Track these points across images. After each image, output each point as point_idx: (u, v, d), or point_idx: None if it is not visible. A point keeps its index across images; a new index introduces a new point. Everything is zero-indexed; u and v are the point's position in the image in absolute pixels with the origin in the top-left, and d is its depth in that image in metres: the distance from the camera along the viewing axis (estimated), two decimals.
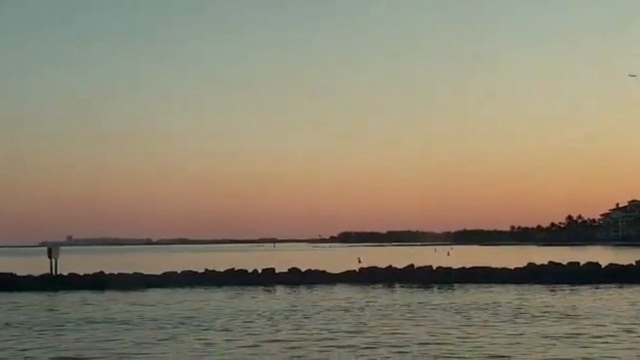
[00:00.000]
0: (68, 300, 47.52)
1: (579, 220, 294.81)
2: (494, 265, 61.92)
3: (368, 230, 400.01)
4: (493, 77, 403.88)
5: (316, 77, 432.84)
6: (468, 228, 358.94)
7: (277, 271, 59.44)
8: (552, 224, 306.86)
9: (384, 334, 29.14)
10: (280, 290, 52.32)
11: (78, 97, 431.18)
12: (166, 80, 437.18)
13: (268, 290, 52.21)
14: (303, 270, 59.71)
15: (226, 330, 31.24)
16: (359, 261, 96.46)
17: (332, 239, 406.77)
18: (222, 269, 60.24)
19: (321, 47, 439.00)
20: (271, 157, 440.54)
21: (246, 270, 59.58)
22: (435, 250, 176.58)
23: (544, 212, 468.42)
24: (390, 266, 60.38)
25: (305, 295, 47.97)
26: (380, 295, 47.31)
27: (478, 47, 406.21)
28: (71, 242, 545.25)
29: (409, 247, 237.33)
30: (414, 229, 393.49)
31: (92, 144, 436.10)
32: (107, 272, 60.46)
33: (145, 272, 59.86)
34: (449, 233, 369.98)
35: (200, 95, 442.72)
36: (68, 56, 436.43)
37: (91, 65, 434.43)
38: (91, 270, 62.42)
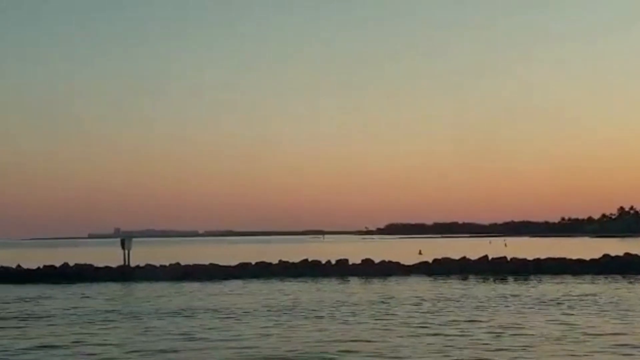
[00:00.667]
0: (157, 291, 47.87)
1: (631, 211, 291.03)
2: (568, 257, 61.59)
3: (414, 221, 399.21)
4: (542, 70, 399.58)
5: (357, 67, 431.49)
6: (516, 219, 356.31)
7: (350, 262, 59.59)
8: (603, 215, 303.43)
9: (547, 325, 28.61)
10: (355, 282, 52.49)
11: (125, 92, 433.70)
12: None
13: (343, 282, 52.48)
14: (376, 261, 59.82)
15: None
16: (420, 253, 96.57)
17: (379, 231, 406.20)
18: (296, 260, 60.58)
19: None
20: (314, 148, 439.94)
21: (320, 261, 59.83)
22: (490, 242, 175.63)
23: (595, 203, 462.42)
24: (464, 257, 60.40)
25: (393, 286, 47.87)
26: (473, 287, 47.03)
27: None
28: (119, 234, 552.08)
29: (460, 238, 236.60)
30: (460, 221, 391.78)
31: (138, 135, 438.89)
32: (182, 263, 61.41)
33: (221, 264, 60.41)
34: (496, 224, 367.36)
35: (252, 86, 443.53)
36: (119, 45, 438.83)
37: (146, 52, 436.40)
38: (164, 261, 63.50)
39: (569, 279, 52.03)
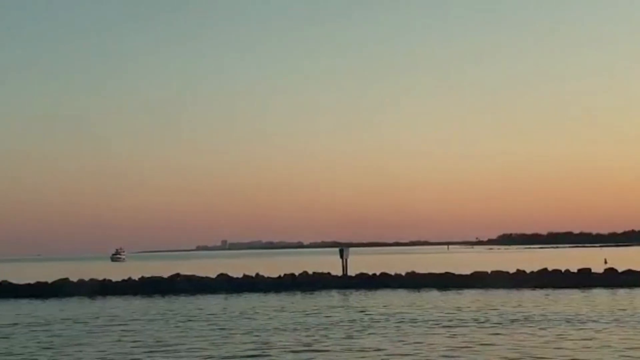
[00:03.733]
0: (421, 299, 46.73)
1: None
2: None
3: (528, 232, 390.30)
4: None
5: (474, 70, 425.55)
6: (636, 229, 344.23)
7: (593, 271, 56.62)
8: None
9: None
10: (599, 292, 49.41)
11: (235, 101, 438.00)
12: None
13: (585, 292, 49.39)
14: (620, 270, 56.62)
15: None
16: (605, 262, 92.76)
17: (490, 242, 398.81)
18: (534, 269, 57.94)
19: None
20: (421, 158, 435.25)
21: (560, 270, 56.95)
22: None
23: None
24: None
25: None
26: None
27: None
28: (226, 246, 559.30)
29: (591, 248, 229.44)
30: (575, 231, 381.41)
31: (244, 148, 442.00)
32: (391, 272, 59.80)
33: (456, 272, 58.61)
34: (615, 234, 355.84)
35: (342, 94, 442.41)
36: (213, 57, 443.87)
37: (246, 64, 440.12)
38: (370, 270, 61.78)
39: None
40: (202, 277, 59.84)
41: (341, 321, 34.69)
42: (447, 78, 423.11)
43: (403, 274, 58.66)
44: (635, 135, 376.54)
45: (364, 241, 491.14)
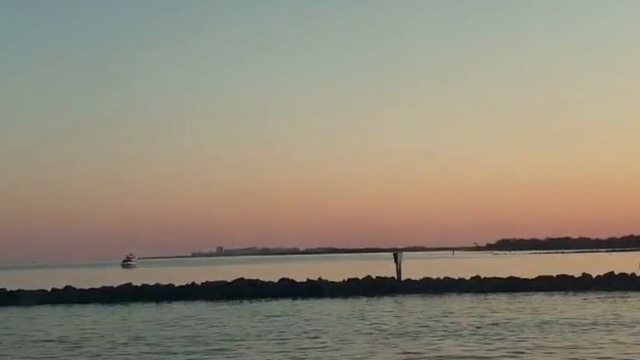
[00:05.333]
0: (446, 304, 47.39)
1: None
2: None
3: (527, 237, 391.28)
4: None
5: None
6: (636, 233, 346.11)
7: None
8: None
9: None
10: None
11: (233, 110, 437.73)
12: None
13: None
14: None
15: None
16: None
17: (489, 247, 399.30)
18: (600, 273, 58.62)
19: None
20: (417, 162, 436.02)
21: (626, 274, 57.63)
22: None
23: None
24: None
25: None
26: None
27: None
28: (222, 252, 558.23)
29: (596, 253, 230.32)
30: (574, 236, 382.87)
31: (240, 154, 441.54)
32: (434, 277, 60.64)
33: (522, 277, 59.22)
34: (614, 239, 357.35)
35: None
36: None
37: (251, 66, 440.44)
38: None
39: None
40: (266, 282, 60.12)
41: (495, 324, 35.09)
42: (447, 81, 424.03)
43: (467, 278, 59.05)
44: (634, 139, 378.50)
45: (361, 247, 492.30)
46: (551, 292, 53.80)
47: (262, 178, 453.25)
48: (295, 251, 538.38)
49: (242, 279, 61.02)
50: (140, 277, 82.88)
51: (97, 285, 61.37)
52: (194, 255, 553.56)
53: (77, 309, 51.87)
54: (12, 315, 49.15)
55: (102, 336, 34.67)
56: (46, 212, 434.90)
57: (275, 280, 60.73)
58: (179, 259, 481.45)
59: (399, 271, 62.88)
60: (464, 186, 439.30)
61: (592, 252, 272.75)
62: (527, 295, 52.68)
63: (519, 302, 47.68)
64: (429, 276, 60.93)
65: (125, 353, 29.28)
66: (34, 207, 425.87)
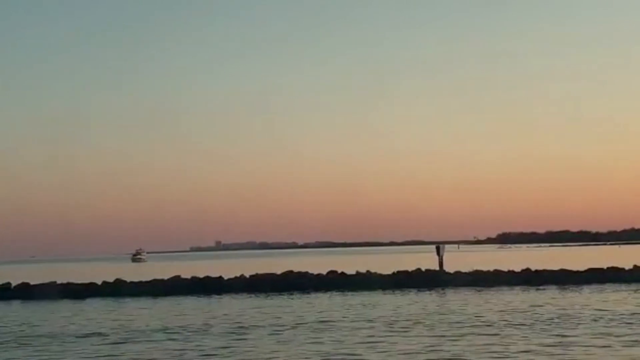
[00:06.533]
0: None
1: None
2: None
3: (526, 230, 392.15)
4: None
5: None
6: (636, 227, 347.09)
7: None
8: None
9: None
10: None
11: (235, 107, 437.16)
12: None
13: None
14: None
15: None
16: None
17: (490, 240, 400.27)
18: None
19: None
20: (416, 157, 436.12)
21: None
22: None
23: None
24: None
25: None
26: None
27: None
28: (220, 247, 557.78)
29: (603, 246, 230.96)
30: (573, 229, 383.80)
31: (237, 148, 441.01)
32: (503, 269, 60.68)
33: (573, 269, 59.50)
34: (615, 232, 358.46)
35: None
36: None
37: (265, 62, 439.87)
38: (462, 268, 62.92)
39: None
40: (315, 274, 60.28)
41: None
42: (447, 77, 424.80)
43: (517, 270, 59.31)
44: (635, 132, 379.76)
45: (359, 241, 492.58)
46: (602, 285, 54.09)
47: (260, 173, 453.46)
48: (293, 245, 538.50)
49: (291, 271, 61.17)
50: (158, 271, 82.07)
51: (110, 279, 61.36)
52: (192, 249, 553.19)
53: (144, 301, 51.90)
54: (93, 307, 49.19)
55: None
56: (42, 208, 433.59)
57: (324, 272, 61.03)
58: (177, 253, 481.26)
59: (441, 263, 63.31)
60: (462, 180, 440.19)
61: (597, 245, 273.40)
62: (577, 288, 52.84)
63: (593, 293, 47.85)
64: (478, 268, 61.08)
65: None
66: (31, 203, 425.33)
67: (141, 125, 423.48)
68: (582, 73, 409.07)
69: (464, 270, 61.38)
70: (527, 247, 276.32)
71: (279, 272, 61.13)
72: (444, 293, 51.84)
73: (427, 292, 52.96)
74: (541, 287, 53.74)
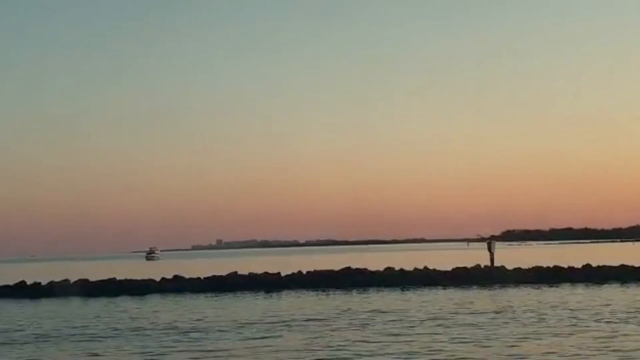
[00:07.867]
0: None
1: None
2: None
3: (530, 228, 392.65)
4: None
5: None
6: None
7: None
8: None
9: None
10: None
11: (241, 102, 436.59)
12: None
13: None
14: None
15: None
16: None
17: (494, 238, 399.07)
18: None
19: None
20: (417, 154, 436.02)
21: None
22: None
23: None
24: None
25: None
26: None
27: None
28: (221, 245, 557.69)
29: (612, 243, 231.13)
30: (576, 227, 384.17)
31: (239, 147, 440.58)
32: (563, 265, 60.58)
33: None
34: (620, 229, 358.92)
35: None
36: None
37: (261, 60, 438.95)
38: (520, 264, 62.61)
39: None
40: (374, 271, 60.18)
41: None
42: (448, 75, 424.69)
43: (579, 266, 59.25)
44: (637, 130, 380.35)
45: (361, 239, 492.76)
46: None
47: (261, 171, 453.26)
48: (295, 243, 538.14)
49: (349, 267, 61.05)
50: (175, 269, 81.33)
51: (138, 277, 61.68)
52: (193, 248, 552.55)
53: (207, 298, 51.81)
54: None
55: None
56: (42, 208, 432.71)
57: (381, 268, 61.01)
58: (179, 252, 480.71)
59: (492, 260, 63.16)
60: (465, 178, 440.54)
61: (607, 242, 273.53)
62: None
63: None
64: (539, 265, 60.86)
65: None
66: (30, 202, 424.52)
67: (141, 125, 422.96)
68: (589, 68, 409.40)
69: (516, 266, 61.21)
70: (537, 244, 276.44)
71: (336, 268, 61.06)
72: (505, 290, 51.29)
73: (494, 288, 52.48)
74: (605, 284, 53.47)
